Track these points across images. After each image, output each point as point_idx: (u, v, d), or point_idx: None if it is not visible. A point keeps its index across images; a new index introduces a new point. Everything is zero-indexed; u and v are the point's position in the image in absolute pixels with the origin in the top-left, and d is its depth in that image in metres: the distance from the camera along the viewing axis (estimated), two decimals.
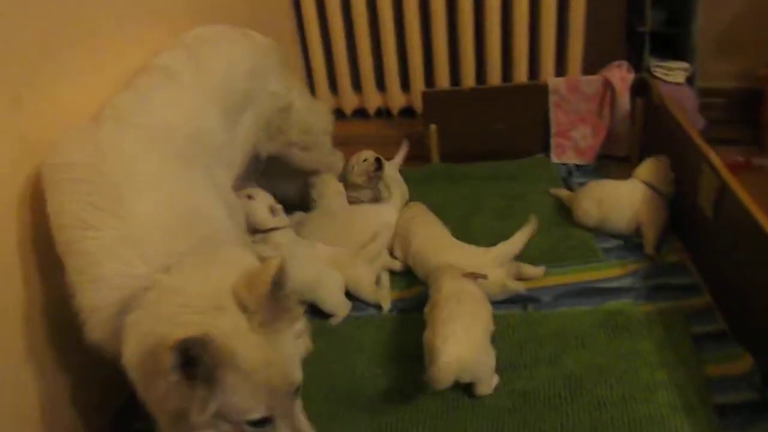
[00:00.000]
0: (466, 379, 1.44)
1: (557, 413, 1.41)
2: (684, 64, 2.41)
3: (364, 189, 2.17)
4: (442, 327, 1.45)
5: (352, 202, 2.15)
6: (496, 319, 1.63)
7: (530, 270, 1.80)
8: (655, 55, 2.47)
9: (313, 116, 1.93)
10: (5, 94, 1.21)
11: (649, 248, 1.87)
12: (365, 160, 2.15)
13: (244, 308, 1.01)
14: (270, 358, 1.00)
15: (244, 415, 1.00)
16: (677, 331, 1.58)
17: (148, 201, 1.18)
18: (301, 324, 1.10)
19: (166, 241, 1.14)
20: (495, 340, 1.55)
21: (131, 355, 1.02)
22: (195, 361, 0.92)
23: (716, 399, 1.40)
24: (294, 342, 1.08)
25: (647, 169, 1.98)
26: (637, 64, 2.44)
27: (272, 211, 1.82)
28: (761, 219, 1.43)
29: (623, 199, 1.95)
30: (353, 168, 2.16)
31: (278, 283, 1.02)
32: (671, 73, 2.42)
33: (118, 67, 1.49)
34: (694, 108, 2.42)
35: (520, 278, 1.78)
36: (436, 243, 1.85)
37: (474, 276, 1.62)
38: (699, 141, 1.80)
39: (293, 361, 1.07)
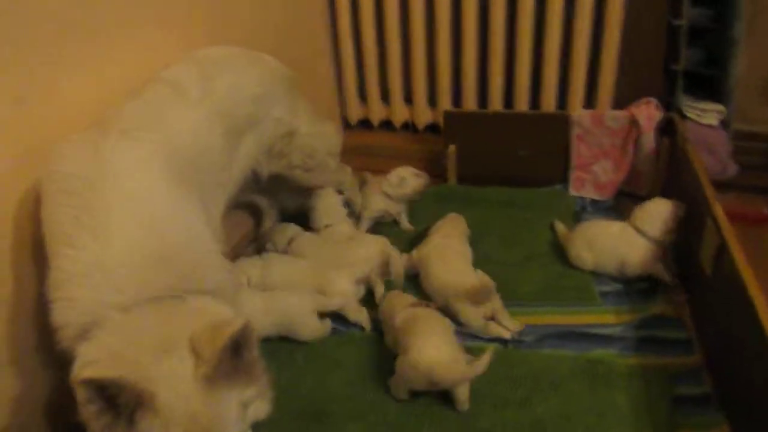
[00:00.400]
0: (444, 381, 1.48)
1: None
2: (719, 106, 2.31)
3: (401, 203, 2.25)
4: (414, 339, 1.52)
5: (380, 216, 2.24)
6: (474, 351, 1.62)
7: (506, 321, 1.75)
8: (691, 96, 2.38)
9: (318, 141, 1.91)
10: (8, 93, 1.26)
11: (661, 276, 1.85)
12: (417, 175, 2.22)
13: (197, 355, 0.99)
14: (197, 412, 0.97)
15: None
16: (657, 389, 1.53)
17: (135, 229, 1.15)
18: (254, 390, 1.07)
19: (141, 273, 1.12)
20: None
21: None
22: (115, 399, 0.93)
23: None
24: (236, 405, 1.03)
25: (643, 212, 1.92)
26: (670, 103, 2.37)
27: None
28: (750, 283, 1.38)
29: (609, 242, 1.90)
30: (402, 181, 2.21)
31: (239, 343, 1.01)
32: (705, 114, 2.33)
33: (125, 71, 1.52)
34: (726, 152, 2.33)
35: (493, 319, 1.76)
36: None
37: (423, 304, 1.68)
38: (708, 192, 1.74)
39: (223, 422, 1.01)
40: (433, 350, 1.48)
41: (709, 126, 2.32)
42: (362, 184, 2.37)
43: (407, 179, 2.22)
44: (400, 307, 1.66)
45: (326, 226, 2.12)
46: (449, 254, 1.89)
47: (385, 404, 1.55)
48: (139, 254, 1.13)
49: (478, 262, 1.96)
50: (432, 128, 2.76)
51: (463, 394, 1.50)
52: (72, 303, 1.10)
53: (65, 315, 1.10)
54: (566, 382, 1.57)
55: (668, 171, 2.24)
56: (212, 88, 1.50)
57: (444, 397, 1.54)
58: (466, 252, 1.96)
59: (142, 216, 1.18)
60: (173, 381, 0.97)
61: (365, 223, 2.23)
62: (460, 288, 1.74)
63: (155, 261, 1.14)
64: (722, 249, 1.55)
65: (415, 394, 1.55)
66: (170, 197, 1.25)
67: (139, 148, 1.26)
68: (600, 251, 1.91)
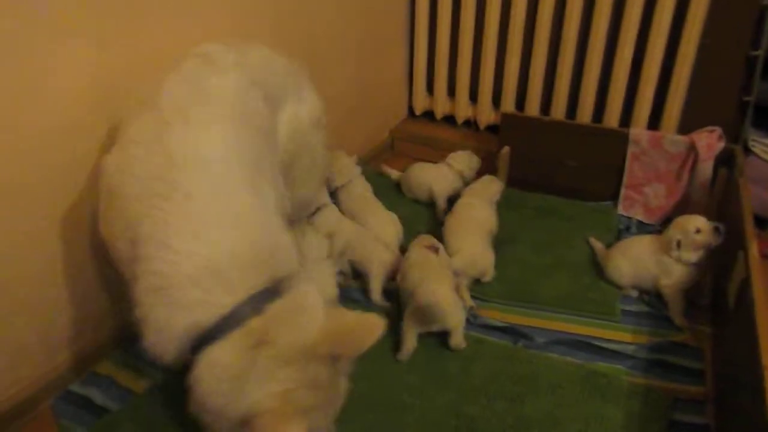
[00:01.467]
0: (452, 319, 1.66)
1: None
2: None
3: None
4: (430, 278, 1.71)
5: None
6: (482, 344, 1.69)
7: (465, 294, 1.87)
8: (761, 131, 2.30)
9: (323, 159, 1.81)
10: (92, 36, 1.41)
11: (674, 316, 1.82)
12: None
13: (333, 360, 1.08)
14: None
15: None
16: (655, 410, 1.53)
17: (231, 228, 1.15)
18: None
19: (245, 271, 1.12)
20: (471, 361, 1.64)
21: (205, 395, 1.05)
22: None
23: None
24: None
25: (676, 225, 1.88)
26: (737, 136, 2.30)
27: None
28: (761, 319, 1.36)
29: (648, 257, 1.88)
30: (472, 160, 2.50)
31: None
32: None
33: (203, 14, 1.64)
34: None
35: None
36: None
37: (433, 248, 1.84)
38: (748, 226, 1.70)
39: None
40: (448, 291, 1.68)
41: None
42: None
43: (474, 159, 2.48)
44: (418, 242, 1.85)
45: (342, 186, 2.26)
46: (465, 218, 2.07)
47: (374, 384, 1.60)
48: (241, 252, 1.13)
49: (506, 262, 2.01)
50: (493, 129, 2.79)
51: (459, 335, 1.68)
52: (179, 305, 1.09)
53: (169, 318, 1.10)
54: (563, 387, 1.59)
55: (720, 203, 2.18)
56: (245, 57, 1.46)
57: (434, 379, 1.61)
58: (486, 215, 2.12)
59: (231, 210, 1.17)
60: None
61: (441, 201, 2.36)
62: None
63: (253, 256, 1.14)
64: (746, 283, 1.52)
65: (407, 371, 1.63)
66: (247, 181, 1.23)
67: (208, 137, 1.22)
68: (635, 264, 1.91)
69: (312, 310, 1.13)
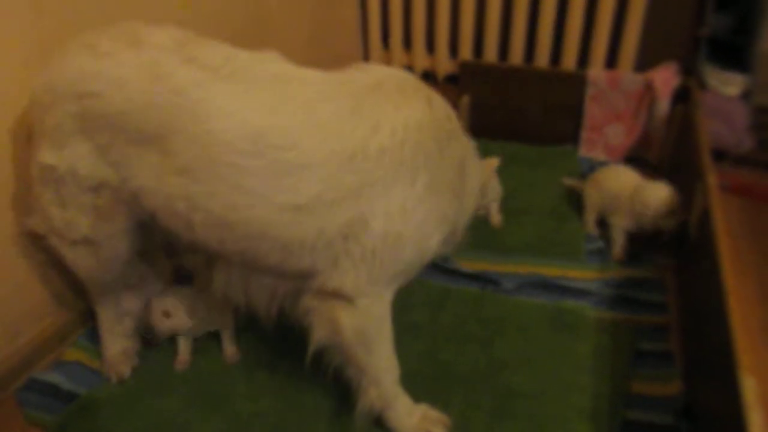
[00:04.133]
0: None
1: (467, 391, 1.46)
2: (741, 77, 2.25)
3: None
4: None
5: None
6: (449, 293, 1.69)
7: None
8: (716, 64, 2.32)
9: None
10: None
11: (613, 247, 1.87)
12: None
13: None
14: None
15: None
16: (620, 341, 1.57)
17: None
18: None
19: None
20: (439, 310, 1.64)
21: None
22: None
23: (633, 415, 1.40)
24: None
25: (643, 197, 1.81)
26: (692, 70, 2.31)
27: None
28: (721, 248, 1.39)
29: (616, 188, 1.88)
30: None
31: None
32: (727, 84, 2.28)
33: None
34: (742, 125, 2.27)
35: None
36: None
37: None
38: (705, 159, 1.72)
39: None
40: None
41: (730, 96, 2.26)
42: None
43: None
44: None
45: None
46: None
47: None
48: None
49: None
50: (452, 79, 2.75)
51: None
52: None
53: None
54: (532, 327, 1.62)
55: (678, 139, 2.20)
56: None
57: (405, 330, 1.59)
58: None
59: None
60: None
61: None
62: None
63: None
64: (706, 215, 1.55)
65: None
66: None
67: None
68: (607, 195, 1.90)
69: None
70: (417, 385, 1.42)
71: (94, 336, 1.61)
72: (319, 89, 1.17)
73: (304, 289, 1.24)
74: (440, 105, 1.26)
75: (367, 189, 1.13)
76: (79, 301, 1.64)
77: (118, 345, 1.55)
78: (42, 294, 1.58)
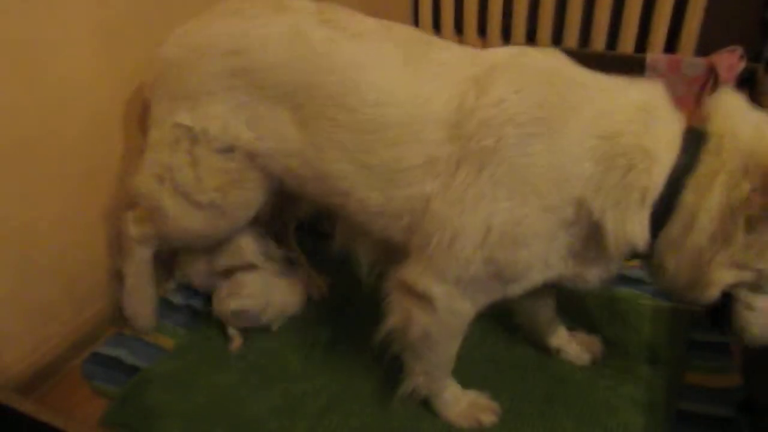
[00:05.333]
0: None
1: (517, 378, 1.46)
2: None
3: None
4: None
5: None
6: None
7: None
8: None
9: None
10: None
11: None
12: None
13: None
14: None
15: None
16: (675, 330, 1.54)
17: None
18: None
19: None
20: None
21: None
22: None
23: (687, 406, 1.38)
24: None
25: None
26: (759, 54, 2.22)
27: None
28: None
29: None
30: None
31: None
32: None
33: None
34: None
35: None
36: None
37: None
38: None
39: None
40: None
41: None
42: None
43: None
44: None
45: None
46: None
47: None
48: None
49: None
50: None
51: None
52: None
53: None
54: (585, 315, 1.60)
55: None
56: None
57: None
58: None
59: None
60: None
61: None
62: None
63: None
64: None
65: None
66: None
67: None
68: None
69: None
70: (467, 371, 1.42)
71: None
72: (445, 58, 1.19)
73: (393, 269, 1.24)
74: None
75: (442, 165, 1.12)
76: None
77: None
78: (109, 271, 1.64)
